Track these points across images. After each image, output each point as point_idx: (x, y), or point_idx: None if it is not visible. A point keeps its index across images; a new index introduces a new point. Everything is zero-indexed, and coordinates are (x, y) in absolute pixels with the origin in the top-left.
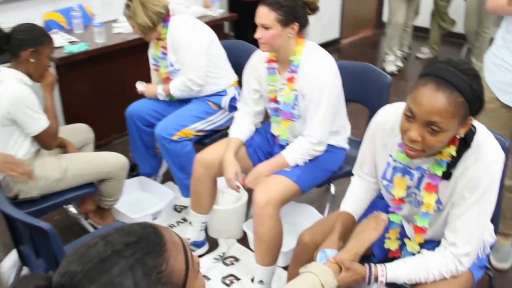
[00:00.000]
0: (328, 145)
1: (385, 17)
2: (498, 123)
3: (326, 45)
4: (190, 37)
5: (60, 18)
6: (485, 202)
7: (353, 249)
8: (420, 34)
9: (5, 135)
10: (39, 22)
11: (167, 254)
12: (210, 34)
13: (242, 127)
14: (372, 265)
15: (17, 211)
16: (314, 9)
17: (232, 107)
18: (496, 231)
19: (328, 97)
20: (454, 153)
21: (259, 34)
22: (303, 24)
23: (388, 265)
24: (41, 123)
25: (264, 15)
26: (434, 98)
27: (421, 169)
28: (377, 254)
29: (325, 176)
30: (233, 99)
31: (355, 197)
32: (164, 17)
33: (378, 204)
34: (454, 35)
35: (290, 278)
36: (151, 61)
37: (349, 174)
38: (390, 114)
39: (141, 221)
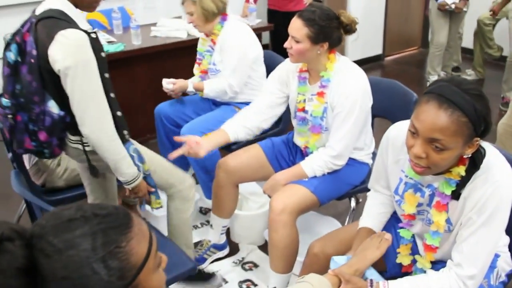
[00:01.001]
0: (350, 158)
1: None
2: None
3: (368, 61)
4: (242, 44)
5: (103, 19)
6: (492, 225)
7: (354, 265)
8: (468, 56)
9: None
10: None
11: (130, 235)
12: (260, 48)
13: (241, 123)
14: (374, 281)
15: (37, 199)
16: (349, 30)
17: None
18: None
19: (357, 114)
20: (463, 173)
21: (288, 44)
22: (334, 44)
23: (391, 282)
24: None
25: (296, 28)
26: (436, 116)
27: (432, 187)
28: (389, 269)
29: (345, 189)
30: None
31: (373, 212)
32: (224, 11)
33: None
34: (503, 59)
35: None
36: (198, 56)
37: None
38: (402, 130)
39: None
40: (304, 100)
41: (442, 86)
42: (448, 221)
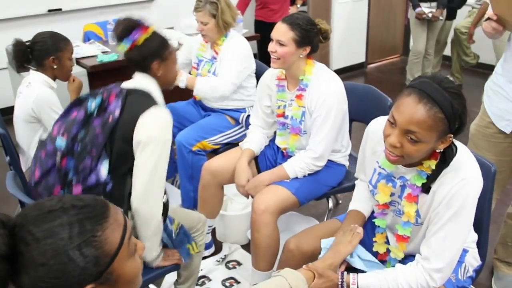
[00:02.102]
0: (328, 160)
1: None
2: (498, 150)
3: (351, 69)
4: (242, 53)
5: (98, 30)
6: (459, 220)
7: (328, 260)
8: (448, 63)
9: (30, 131)
10: (80, 33)
11: (106, 225)
12: (254, 62)
13: (254, 139)
14: (345, 273)
15: (29, 199)
16: (325, 37)
17: (249, 124)
18: (483, 257)
19: (334, 116)
20: (433, 166)
21: (273, 47)
22: (314, 48)
23: (360, 274)
24: None
25: (282, 32)
26: (414, 109)
27: (404, 178)
28: None
29: (323, 190)
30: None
31: (361, 197)
32: None
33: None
34: (480, 65)
35: None
36: (194, 59)
37: (348, 189)
38: (380, 125)
39: (98, 196)
40: (284, 106)
41: (424, 82)
42: (417, 212)
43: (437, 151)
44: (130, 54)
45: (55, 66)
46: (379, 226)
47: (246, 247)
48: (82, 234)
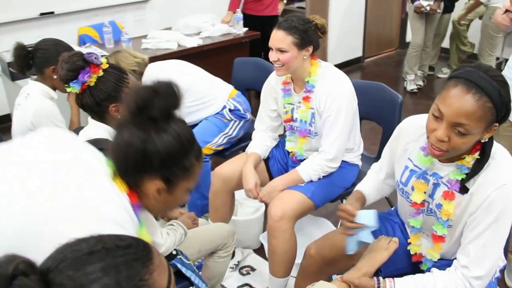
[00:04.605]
0: (342, 161)
1: (407, 38)
2: (510, 143)
3: (349, 64)
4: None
5: (94, 33)
6: (499, 227)
7: (363, 268)
8: (444, 55)
9: None
10: (74, 37)
11: (152, 268)
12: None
13: (259, 143)
14: (381, 279)
15: None
16: (323, 32)
17: (239, 116)
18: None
19: (345, 115)
20: (475, 159)
21: (274, 57)
22: (316, 46)
23: (397, 279)
24: None
25: (280, 39)
26: (463, 100)
27: (437, 175)
28: (383, 268)
29: (339, 192)
30: (236, 110)
31: (371, 185)
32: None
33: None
34: (474, 56)
35: None
36: None
37: None
38: (415, 122)
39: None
40: (292, 110)
41: (469, 72)
42: None
43: (482, 141)
44: (81, 99)
45: (55, 76)
46: (413, 227)
47: (258, 251)
48: (131, 278)
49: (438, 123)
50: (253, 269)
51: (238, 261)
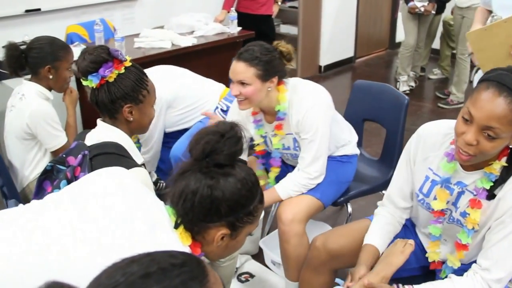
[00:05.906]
0: (342, 156)
1: (397, 38)
2: None
3: (341, 64)
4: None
5: (83, 32)
6: None
7: (381, 272)
8: (435, 56)
9: (23, 149)
10: (62, 35)
11: (208, 285)
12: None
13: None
14: (400, 285)
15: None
16: (289, 59)
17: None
18: None
19: (321, 133)
20: (502, 166)
21: (236, 90)
22: (282, 75)
23: (416, 286)
24: (59, 139)
25: (241, 71)
26: (495, 103)
27: (462, 184)
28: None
29: (344, 188)
30: (228, 110)
31: (380, 231)
32: None
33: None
34: None
35: (301, 281)
36: None
37: (363, 194)
38: (432, 129)
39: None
40: (265, 142)
41: (502, 74)
42: None
43: (510, 146)
44: (96, 94)
45: (50, 76)
46: (433, 234)
47: (257, 257)
48: None
49: (467, 126)
50: (251, 276)
51: (237, 268)
